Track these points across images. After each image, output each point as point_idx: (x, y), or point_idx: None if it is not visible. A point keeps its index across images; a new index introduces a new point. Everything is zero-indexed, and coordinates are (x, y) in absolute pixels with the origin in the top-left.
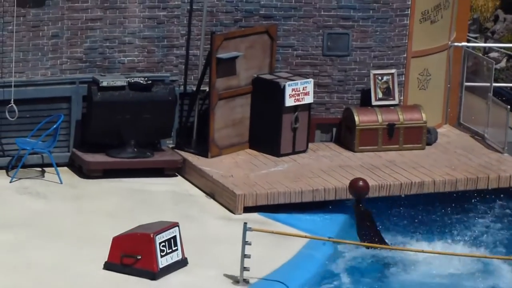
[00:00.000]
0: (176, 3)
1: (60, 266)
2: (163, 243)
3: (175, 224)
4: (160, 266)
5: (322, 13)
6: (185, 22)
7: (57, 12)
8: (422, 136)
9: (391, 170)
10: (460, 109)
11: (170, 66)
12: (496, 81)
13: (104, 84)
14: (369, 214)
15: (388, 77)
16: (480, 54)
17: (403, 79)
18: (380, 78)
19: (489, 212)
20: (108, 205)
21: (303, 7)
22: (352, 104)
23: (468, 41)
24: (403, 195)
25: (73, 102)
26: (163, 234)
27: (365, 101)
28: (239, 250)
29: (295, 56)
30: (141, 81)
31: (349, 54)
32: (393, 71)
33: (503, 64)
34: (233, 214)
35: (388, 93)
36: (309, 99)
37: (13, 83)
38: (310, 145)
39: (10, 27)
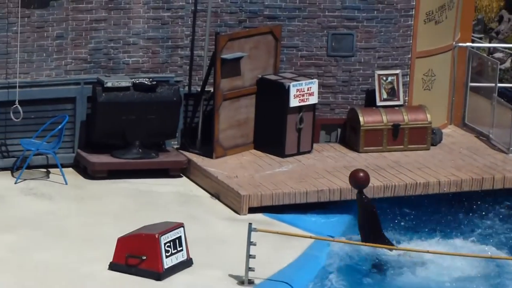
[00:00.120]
0: (181, 3)
1: (65, 267)
2: (168, 244)
3: (180, 225)
4: (165, 267)
5: (327, 13)
6: (189, 22)
7: (62, 13)
8: (427, 137)
9: (396, 170)
10: (465, 110)
11: (174, 66)
12: (501, 81)
13: (109, 85)
14: (372, 206)
15: (392, 78)
16: (485, 55)
17: (408, 79)
18: (384, 78)
19: (494, 212)
20: (113, 206)
21: (308, 8)
22: (356, 105)
23: (473, 41)
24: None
25: (77, 103)
26: (168, 234)
27: (369, 101)
28: (244, 250)
29: (300, 56)
30: (146, 82)
31: (354, 55)
32: (397, 71)
33: (508, 64)
34: (238, 215)
35: (392, 93)
36: (313, 100)
37: (17, 84)
38: (314, 145)
39: (15, 28)
